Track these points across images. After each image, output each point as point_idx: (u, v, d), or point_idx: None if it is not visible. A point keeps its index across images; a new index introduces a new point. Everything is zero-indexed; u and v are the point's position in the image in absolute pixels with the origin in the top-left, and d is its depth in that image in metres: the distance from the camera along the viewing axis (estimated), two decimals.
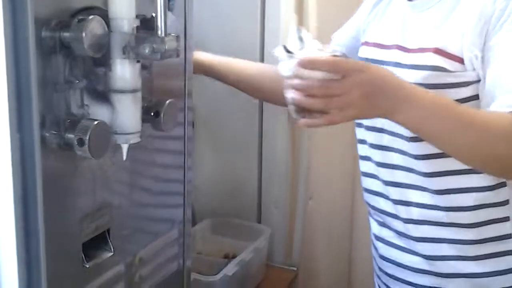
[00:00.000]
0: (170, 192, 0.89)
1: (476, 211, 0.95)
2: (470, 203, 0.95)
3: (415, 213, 0.99)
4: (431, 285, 1.01)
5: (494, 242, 0.96)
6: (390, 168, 1.01)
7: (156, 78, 0.78)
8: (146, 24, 0.69)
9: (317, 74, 0.79)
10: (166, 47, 0.66)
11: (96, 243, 0.75)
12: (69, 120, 0.64)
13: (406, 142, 0.96)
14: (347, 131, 1.91)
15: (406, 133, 0.94)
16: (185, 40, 0.85)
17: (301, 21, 1.48)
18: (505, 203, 0.96)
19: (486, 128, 0.82)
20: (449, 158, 0.88)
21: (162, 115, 0.74)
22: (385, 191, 1.04)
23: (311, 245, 1.68)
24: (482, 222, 0.96)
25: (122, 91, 0.68)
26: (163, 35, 0.66)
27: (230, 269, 1.24)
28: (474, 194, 0.95)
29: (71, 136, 0.63)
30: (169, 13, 0.72)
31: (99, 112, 0.68)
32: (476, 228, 0.96)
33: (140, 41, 0.66)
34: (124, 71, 0.68)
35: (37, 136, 0.39)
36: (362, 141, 1.08)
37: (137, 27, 0.68)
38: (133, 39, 0.67)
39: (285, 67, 0.81)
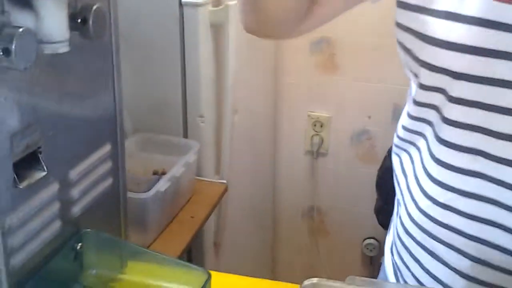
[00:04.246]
0: (100, 104, 0.84)
1: None
2: None
3: None
4: None
5: None
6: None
7: None
8: None
9: None
10: None
11: (27, 163, 0.71)
12: None
13: None
14: (269, 49, 1.89)
15: None
16: None
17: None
18: None
19: None
20: None
21: (90, 21, 0.69)
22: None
23: (238, 158, 1.69)
24: None
25: None
26: None
27: (162, 185, 1.22)
28: None
29: None
30: None
31: (21, 20, 0.62)
32: None
33: None
34: None
35: None
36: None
37: None
38: None
39: None
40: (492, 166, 0.68)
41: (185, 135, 1.51)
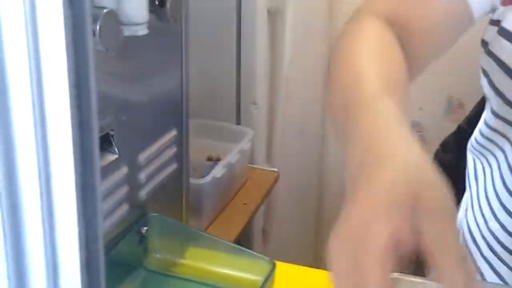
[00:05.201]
0: (169, 89, 0.84)
1: None
2: None
3: None
4: None
5: None
6: None
7: None
8: None
9: None
10: None
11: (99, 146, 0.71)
12: None
13: None
14: (323, 28, 1.86)
15: None
16: None
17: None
18: None
19: None
20: None
21: (168, 4, 0.68)
22: None
23: (287, 146, 1.67)
24: None
25: None
26: None
27: (218, 171, 1.21)
28: None
29: None
30: None
31: (103, 0, 0.61)
32: None
33: None
34: None
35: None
36: None
37: None
38: None
39: None
40: None
41: (238, 122, 1.50)
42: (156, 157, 0.81)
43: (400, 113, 0.51)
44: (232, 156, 1.28)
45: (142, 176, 0.79)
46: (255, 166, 1.46)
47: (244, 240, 1.53)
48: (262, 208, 1.54)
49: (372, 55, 0.59)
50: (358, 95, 0.54)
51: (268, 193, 1.42)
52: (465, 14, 0.66)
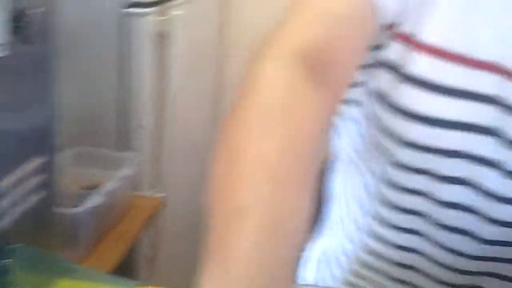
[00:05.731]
0: (34, 115, 0.80)
1: None
2: None
3: None
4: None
5: None
6: None
7: None
8: None
9: None
10: None
11: None
12: None
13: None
14: (212, 52, 1.87)
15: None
16: None
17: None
18: None
19: None
20: None
21: (30, 26, 0.65)
22: None
23: (176, 171, 1.66)
24: None
25: None
26: None
27: (95, 200, 1.17)
28: None
29: None
30: None
31: None
32: None
33: None
34: None
35: None
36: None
37: None
38: None
39: None
40: (431, 228, 0.68)
41: (124, 147, 1.46)
42: (19, 185, 0.77)
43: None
44: (111, 184, 1.24)
45: (3, 204, 0.75)
46: (139, 192, 1.43)
47: (127, 269, 1.49)
48: (149, 235, 1.51)
49: (267, 146, 0.50)
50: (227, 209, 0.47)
51: (153, 219, 1.39)
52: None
